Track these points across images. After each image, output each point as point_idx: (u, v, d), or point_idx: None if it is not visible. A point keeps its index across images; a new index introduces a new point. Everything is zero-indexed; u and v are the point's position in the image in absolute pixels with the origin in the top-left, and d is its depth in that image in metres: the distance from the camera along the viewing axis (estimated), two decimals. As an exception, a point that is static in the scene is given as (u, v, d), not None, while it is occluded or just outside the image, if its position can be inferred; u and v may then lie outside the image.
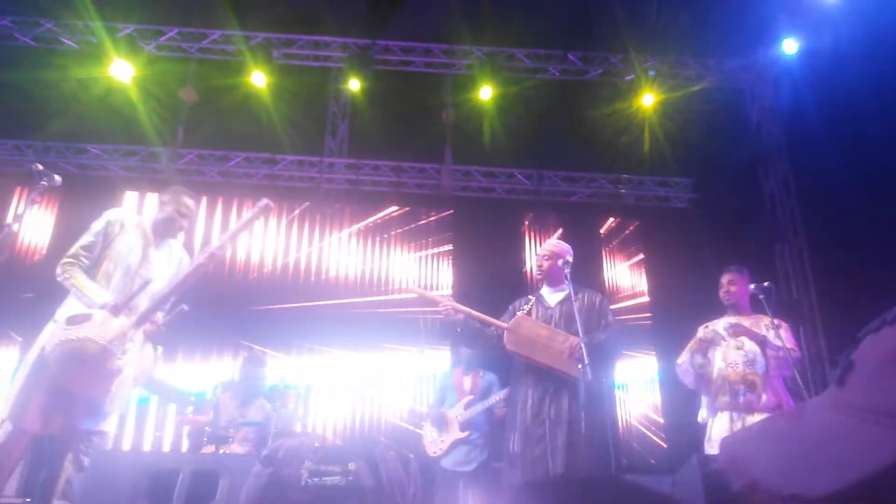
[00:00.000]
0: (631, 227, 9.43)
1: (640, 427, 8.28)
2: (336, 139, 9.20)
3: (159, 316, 3.43)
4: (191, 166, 9.01)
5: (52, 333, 3.09)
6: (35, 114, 8.35)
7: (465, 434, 5.36)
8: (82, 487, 2.97)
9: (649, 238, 9.33)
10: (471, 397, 5.48)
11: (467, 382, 5.63)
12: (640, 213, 9.49)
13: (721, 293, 4.47)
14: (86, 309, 3.17)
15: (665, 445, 8.15)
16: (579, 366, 3.50)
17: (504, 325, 3.97)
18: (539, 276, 4.25)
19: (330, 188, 9.13)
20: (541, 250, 4.30)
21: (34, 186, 3.47)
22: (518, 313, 4.11)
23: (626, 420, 8.27)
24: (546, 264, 4.17)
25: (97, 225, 3.45)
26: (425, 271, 8.78)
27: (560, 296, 4.09)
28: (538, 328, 3.93)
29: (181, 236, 3.77)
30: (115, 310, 3.20)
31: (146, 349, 3.35)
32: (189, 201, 3.70)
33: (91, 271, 3.37)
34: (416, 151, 9.18)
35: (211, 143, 9.01)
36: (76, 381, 3.09)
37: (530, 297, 4.25)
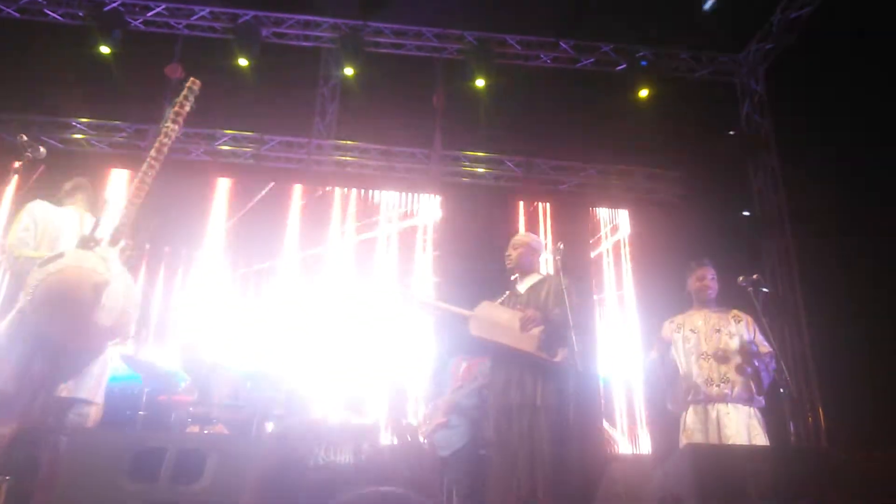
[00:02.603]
0: (618, 218, 9.45)
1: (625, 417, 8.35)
2: (325, 120, 9.11)
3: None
4: (177, 144, 8.85)
5: (29, 281, 3.03)
6: (18, 87, 8.18)
7: (444, 420, 5.39)
8: (65, 466, 2.92)
9: (636, 230, 9.34)
10: (460, 384, 5.51)
11: (462, 370, 5.66)
12: (629, 204, 9.49)
13: (699, 286, 4.44)
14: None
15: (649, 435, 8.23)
16: (538, 343, 3.70)
17: (467, 312, 4.08)
18: (509, 267, 4.38)
19: (318, 170, 9.04)
20: (510, 244, 4.43)
21: (18, 158, 3.42)
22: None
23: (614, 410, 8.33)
24: (514, 254, 4.35)
25: (24, 216, 3.49)
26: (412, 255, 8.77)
27: (529, 283, 4.25)
28: (500, 311, 4.05)
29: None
30: (84, 243, 3.21)
31: (127, 273, 3.32)
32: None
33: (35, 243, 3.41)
34: (405, 135, 9.11)
35: (198, 122, 8.88)
36: (62, 319, 3.02)
37: (507, 290, 4.37)
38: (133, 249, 3.39)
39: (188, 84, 3.62)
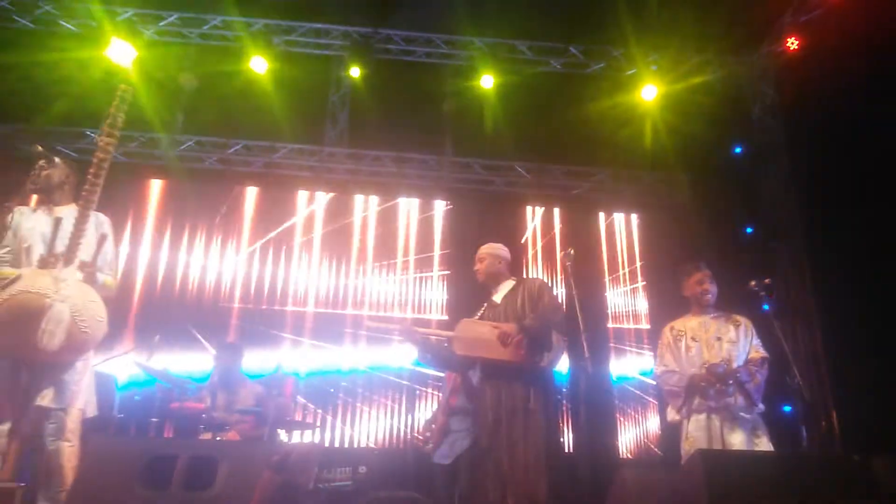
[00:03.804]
0: (631, 222, 9.44)
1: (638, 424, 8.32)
2: (336, 128, 9.15)
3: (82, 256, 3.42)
4: (190, 153, 8.95)
5: None
6: (33, 97, 8.28)
7: (444, 420, 5.26)
8: (79, 473, 2.96)
9: (648, 234, 9.33)
10: (451, 386, 5.42)
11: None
12: (640, 209, 9.47)
13: (698, 290, 4.41)
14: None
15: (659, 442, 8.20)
16: (522, 351, 3.78)
17: (449, 333, 4.11)
18: (480, 280, 4.43)
19: (330, 177, 9.09)
20: (475, 258, 4.46)
21: (33, 168, 3.46)
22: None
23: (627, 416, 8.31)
24: (481, 266, 4.39)
25: (9, 232, 3.50)
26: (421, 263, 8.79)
27: (504, 291, 4.29)
28: (480, 326, 4.07)
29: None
30: (43, 263, 3.25)
31: (86, 290, 3.32)
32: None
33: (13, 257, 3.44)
34: (416, 142, 9.14)
35: (210, 130, 8.95)
36: (18, 341, 3.07)
37: (485, 303, 4.39)
38: (90, 266, 3.38)
39: (119, 92, 3.60)
